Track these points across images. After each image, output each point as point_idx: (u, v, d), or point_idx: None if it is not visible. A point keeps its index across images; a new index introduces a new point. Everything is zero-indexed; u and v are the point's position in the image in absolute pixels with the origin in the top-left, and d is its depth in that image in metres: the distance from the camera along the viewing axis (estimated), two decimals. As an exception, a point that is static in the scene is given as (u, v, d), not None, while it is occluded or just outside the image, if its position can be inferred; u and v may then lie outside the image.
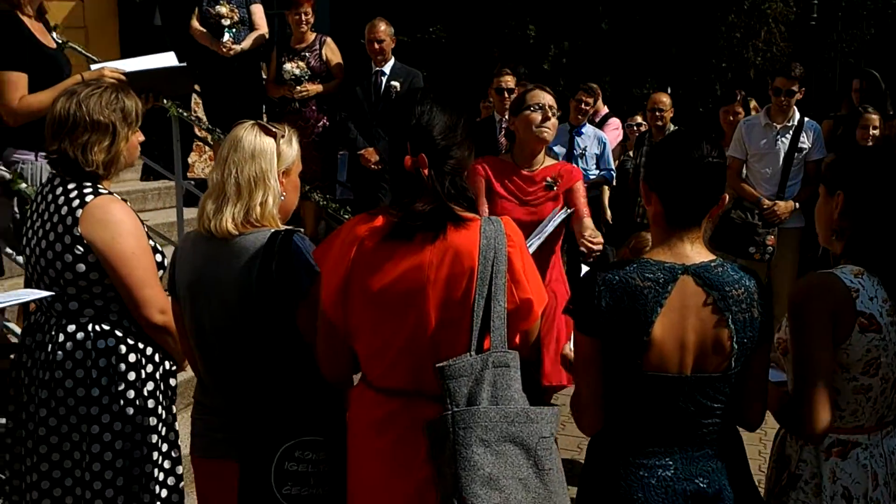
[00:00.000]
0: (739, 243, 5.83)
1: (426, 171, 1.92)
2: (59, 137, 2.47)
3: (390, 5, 16.50)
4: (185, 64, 3.50)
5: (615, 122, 8.10)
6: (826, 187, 2.20)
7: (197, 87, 6.86)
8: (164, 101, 5.21)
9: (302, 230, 2.29)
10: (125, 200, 2.63)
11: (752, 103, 6.55)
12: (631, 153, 7.67)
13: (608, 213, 7.37)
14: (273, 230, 2.21)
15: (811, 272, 2.19)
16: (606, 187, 7.36)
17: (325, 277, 2.03)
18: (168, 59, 3.53)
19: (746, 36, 9.48)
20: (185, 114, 5.48)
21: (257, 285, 2.14)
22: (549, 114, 3.59)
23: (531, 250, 2.70)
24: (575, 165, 3.87)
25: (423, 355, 1.94)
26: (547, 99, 3.62)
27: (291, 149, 2.34)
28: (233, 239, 2.20)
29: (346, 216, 5.07)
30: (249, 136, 2.26)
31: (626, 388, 1.98)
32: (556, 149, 7.11)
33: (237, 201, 2.20)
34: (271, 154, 2.26)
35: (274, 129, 2.30)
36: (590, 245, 3.21)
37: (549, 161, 3.72)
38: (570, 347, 2.25)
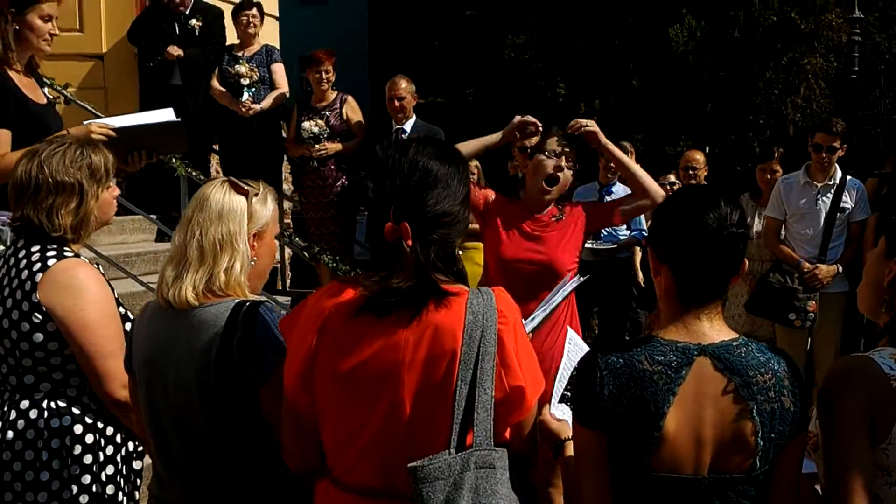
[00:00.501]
0: (778, 309, 5.50)
1: (409, 243, 1.66)
2: (21, 203, 2.29)
3: (426, 66, 16.71)
4: (179, 119, 3.33)
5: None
6: (887, 247, 1.89)
7: (215, 147, 6.78)
8: (173, 159, 5.09)
9: (269, 301, 2.04)
10: (97, 265, 2.43)
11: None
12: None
13: (640, 275, 7.07)
14: (238, 300, 1.97)
15: (846, 356, 1.88)
16: (638, 248, 7.06)
17: (289, 357, 1.78)
18: (164, 115, 3.38)
19: (785, 92, 9.22)
20: (193, 173, 5.34)
21: (216, 364, 1.89)
22: (562, 163, 3.39)
23: (534, 325, 2.43)
24: (576, 202, 3.73)
25: (395, 449, 1.68)
26: (561, 148, 3.42)
27: (266, 208, 2.12)
28: (193, 310, 1.97)
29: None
30: (217, 194, 2.04)
31: (632, 490, 1.68)
32: (586, 208, 6.89)
33: (199, 267, 1.97)
34: (241, 214, 2.04)
35: (246, 187, 2.08)
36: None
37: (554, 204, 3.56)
38: (552, 413, 1.97)
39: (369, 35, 22.05)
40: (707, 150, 6.66)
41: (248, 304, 1.95)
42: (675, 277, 1.71)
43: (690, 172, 6.42)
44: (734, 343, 1.70)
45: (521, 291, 3.49)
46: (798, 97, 9.12)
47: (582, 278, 2.78)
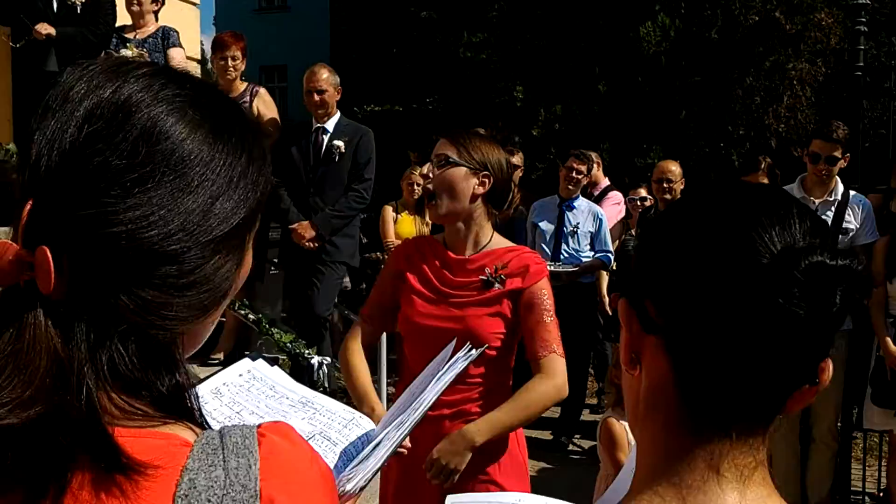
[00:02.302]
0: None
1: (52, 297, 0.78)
2: None
3: (387, 73, 15.82)
4: None
5: (616, 196, 6.99)
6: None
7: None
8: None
9: None
10: None
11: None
12: (633, 232, 6.51)
13: (607, 301, 6.21)
14: None
15: None
16: (605, 273, 6.19)
17: None
18: None
19: (767, 100, 8.43)
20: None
21: None
22: (433, 171, 2.40)
23: (419, 415, 1.47)
24: (537, 254, 2.60)
25: None
26: (439, 149, 2.41)
27: None
28: None
29: (276, 334, 3.84)
30: None
31: None
32: (543, 225, 6.03)
33: None
34: None
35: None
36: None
37: (501, 243, 2.49)
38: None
39: (331, 42, 21.19)
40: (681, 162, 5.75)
41: None
42: (678, 369, 0.78)
43: (665, 186, 5.54)
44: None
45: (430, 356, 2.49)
46: (782, 106, 8.34)
47: (474, 352, 1.78)
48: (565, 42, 8.90)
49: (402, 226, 6.59)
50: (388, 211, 6.64)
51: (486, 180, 2.40)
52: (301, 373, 5.02)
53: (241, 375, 1.29)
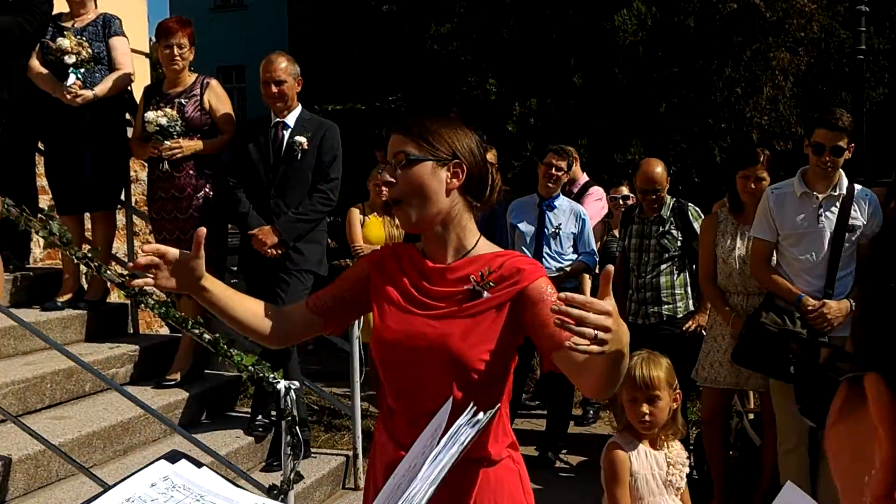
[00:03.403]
0: (775, 359, 4.32)
1: None
2: None
3: (348, 70, 15.40)
4: None
5: (598, 192, 6.63)
6: None
7: (40, 146, 5.28)
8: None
9: None
10: None
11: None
12: (616, 232, 6.18)
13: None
14: None
15: None
16: (587, 276, 5.82)
17: None
18: None
19: (748, 91, 8.14)
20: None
21: None
22: (389, 176, 2.00)
23: None
24: (529, 257, 2.19)
25: None
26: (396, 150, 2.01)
27: None
28: None
29: (236, 355, 3.37)
30: None
31: None
32: (523, 227, 5.66)
33: None
34: None
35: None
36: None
37: (487, 248, 2.09)
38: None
39: (289, 39, 20.74)
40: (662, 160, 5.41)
41: None
42: None
43: (652, 197, 5.17)
44: None
45: (408, 385, 2.06)
46: (762, 97, 8.05)
47: (482, 416, 1.35)
48: (538, 32, 8.53)
49: (370, 229, 6.18)
50: (355, 214, 6.22)
51: (459, 170, 2.01)
52: (265, 399, 4.58)
53: (153, 486, 0.89)
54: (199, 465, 0.96)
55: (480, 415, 1.24)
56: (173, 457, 0.96)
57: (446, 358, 1.94)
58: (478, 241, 2.09)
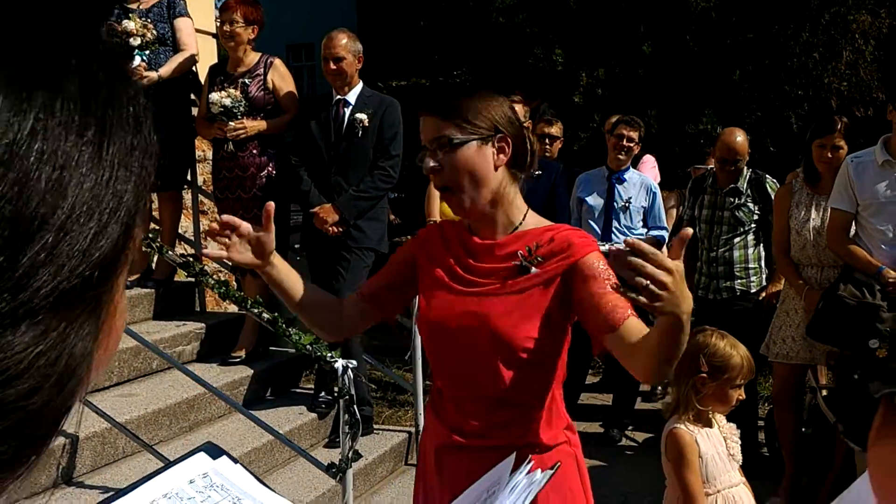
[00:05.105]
0: (853, 333, 4.15)
1: None
2: None
3: (415, 46, 15.36)
4: None
5: (650, 160, 6.53)
6: None
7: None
8: None
9: None
10: None
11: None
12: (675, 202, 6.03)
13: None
14: None
15: None
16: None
17: None
18: None
19: (826, 56, 7.80)
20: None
21: None
22: (433, 161, 1.95)
23: None
24: (582, 230, 2.12)
25: None
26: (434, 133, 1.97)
27: None
28: None
29: (294, 335, 3.40)
30: None
31: None
32: (591, 200, 5.55)
33: None
34: None
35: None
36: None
37: (537, 222, 2.04)
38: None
39: (357, 16, 20.75)
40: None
41: None
42: None
43: (731, 168, 5.03)
44: None
45: (454, 366, 2.03)
46: (841, 62, 7.72)
47: (539, 474, 1.28)
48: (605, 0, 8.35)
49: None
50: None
51: (504, 144, 1.95)
52: (324, 379, 4.61)
53: (192, 482, 0.87)
54: (234, 460, 0.94)
55: (538, 473, 1.18)
56: (213, 451, 0.94)
57: (489, 337, 1.90)
58: (525, 214, 2.04)
